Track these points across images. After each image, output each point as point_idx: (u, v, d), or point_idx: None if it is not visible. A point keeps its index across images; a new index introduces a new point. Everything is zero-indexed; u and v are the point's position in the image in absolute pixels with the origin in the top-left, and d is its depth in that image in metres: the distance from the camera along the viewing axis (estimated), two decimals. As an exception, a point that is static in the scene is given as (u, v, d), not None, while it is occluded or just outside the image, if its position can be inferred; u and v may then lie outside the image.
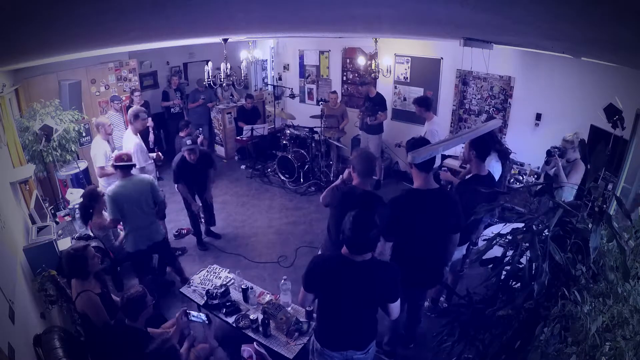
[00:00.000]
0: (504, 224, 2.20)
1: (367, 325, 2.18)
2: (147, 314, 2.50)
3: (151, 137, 6.10)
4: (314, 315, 2.48)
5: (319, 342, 2.19)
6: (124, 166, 3.36)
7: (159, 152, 4.69)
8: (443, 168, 3.84)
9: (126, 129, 5.60)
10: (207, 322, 2.61)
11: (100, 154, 4.25)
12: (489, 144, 2.97)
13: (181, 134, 5.38)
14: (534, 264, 1.68)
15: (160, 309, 3.59)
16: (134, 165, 3.49)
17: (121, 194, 3.28)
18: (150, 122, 6.04)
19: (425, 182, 2.53)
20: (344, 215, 2.71)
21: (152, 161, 4.35)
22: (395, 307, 2.11)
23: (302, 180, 6.27)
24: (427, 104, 4.68)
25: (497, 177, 3.45)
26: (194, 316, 2.63)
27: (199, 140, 5.35)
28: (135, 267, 3.69)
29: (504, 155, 3.58)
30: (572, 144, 3.55)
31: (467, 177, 3.26)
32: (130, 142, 4.05)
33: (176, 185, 4.33)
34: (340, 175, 2.92)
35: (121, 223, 3.45)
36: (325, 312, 2.18)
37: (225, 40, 4.39)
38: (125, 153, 3.48)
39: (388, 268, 2.13)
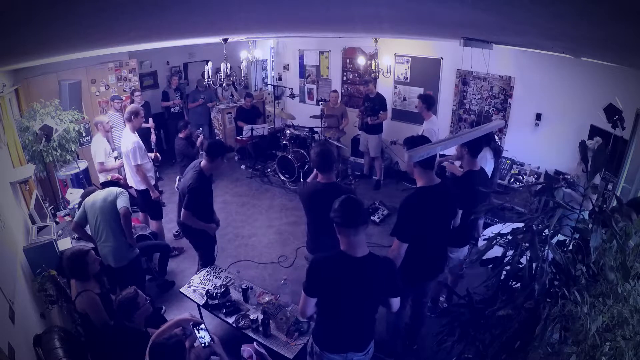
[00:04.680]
0: (503, 223, 2.20)
1: (367, 326, 2.17)
2: (146, 313, 2.49)
3: (153, 137, 6.10)
4: (314, 315, 2.47)
5: (317, 345, 2.18)
6: (109, 183, 3.35)
7: (157, 153, 4.70)
8: (450, 160, 3.89)
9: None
10: (210, 343, 2.45)
11: (100, 150, 4.31)
12: (480, 141, 3.01)
13: (180, 135, 5.36)
14: (534, 263, 1.68)
15: (160, 309, 3.59)
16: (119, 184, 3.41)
17: (90, 202, 3.22)
18: (151, 123, 6.06)
19: (429, 179, 2.58)
20: (314, 211, 2.85)
21: (151, 160, 4.34)
22: (396, 301, 2.10)
23: (302, 180, 6.26)
24: (429, 103, 4.75)
25: (489, 174, 3.50)
26: (200, 337, 2.45)
27: (198, 140, 5.36)
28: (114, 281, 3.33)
29: (497, 152, 3.62)
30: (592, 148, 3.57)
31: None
32: (128, 140, 4.02)
33: (190, 213, 3.21)
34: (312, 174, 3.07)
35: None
36: (326, 313, 2.16)
37: (225, 40, 4.40)
38: (121, 177, 3.47)
39: (387, 262, 2.10)
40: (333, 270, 2.00)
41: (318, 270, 2.02)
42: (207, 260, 3.70)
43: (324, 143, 3.46)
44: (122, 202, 3.18)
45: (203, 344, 2.39)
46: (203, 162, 3.29)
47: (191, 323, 2.46)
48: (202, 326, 2.49)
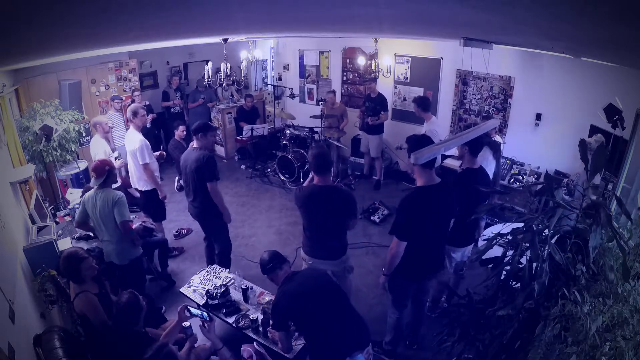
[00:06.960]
0: (503, 224, 2.20)
1: (357, 322, 2.31)
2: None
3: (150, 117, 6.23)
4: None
5: None
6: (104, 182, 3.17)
7: (163, 151, 4.68)
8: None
9: (126, 128, 5.62)
10: (207, 318, 2.59)
11: (100, 153, 4.27)
12: (480, 139, 3.02)
13: (176, 136, 5.30)
14: (534, 264, 1.68)
15: (160, 309, 3.59)
16: (106, 176, 3.17)
17: (89, 202, 3.16)
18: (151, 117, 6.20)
19: (429, 178, 2.59)
20: (312, 214, 2.89)
21: (156, 160, 4.32)
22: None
23: (302, 180, 6.26)
24: (424, 105, 4.69)
25: (491, 173, 3.48)
26: (194, 313, 2.62)
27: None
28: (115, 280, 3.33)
29: (496, 148, 3.61)
30: (590, 144, 3.56)
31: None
32: (134, 139, 3.97)
33: (215, 182, 3.50)
34: (308, 178, 3.06)
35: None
36: (316, 335, 2.31)
37: (225, 40, 4.39)
38: (109, 161, 3.28)
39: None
40: (298, 297, 2.30)
41: (287, 306, 2.29)
42: (225, 252, 3.79)
43: (321, 145, 3.46)
44: (120, 216, 3.07)
45: (206, 319, 2.58)
46: (196, 144, 3.50)
47: (185, 311, 2.60)
48: (192, 310, 2.64)
